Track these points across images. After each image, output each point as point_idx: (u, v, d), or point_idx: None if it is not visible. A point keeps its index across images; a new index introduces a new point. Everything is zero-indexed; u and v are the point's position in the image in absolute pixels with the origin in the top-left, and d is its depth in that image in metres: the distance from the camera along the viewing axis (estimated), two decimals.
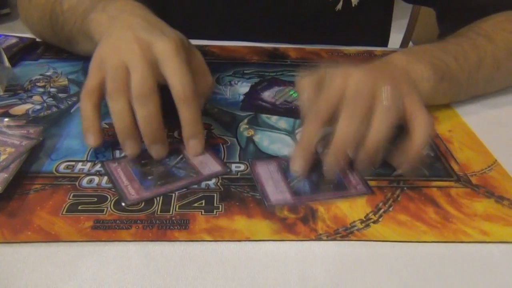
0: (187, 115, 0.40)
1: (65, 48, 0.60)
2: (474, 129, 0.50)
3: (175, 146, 0.43)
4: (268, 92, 0.55)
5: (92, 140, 0.41)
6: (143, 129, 0.39)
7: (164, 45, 0.40)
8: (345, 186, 0.40)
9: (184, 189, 0.38)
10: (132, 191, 0.37)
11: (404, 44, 1.25)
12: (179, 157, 0.42)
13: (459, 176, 0.42)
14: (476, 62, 0.52)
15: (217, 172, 0.41)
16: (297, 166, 0.40)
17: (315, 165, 0.41)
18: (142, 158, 0.41)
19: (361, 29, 0.59)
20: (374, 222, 0.36)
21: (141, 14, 0.46)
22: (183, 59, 0.40)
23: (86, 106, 0.41)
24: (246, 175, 0.41)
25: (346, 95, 0.39)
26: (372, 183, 0.40)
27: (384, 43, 0.81)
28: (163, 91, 0.40)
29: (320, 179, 0.40)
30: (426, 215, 0.37)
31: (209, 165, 0.41)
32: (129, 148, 0.40)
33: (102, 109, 0.48)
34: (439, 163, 0.44)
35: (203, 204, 0.37)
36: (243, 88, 0.56)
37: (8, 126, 0.44)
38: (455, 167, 0.43)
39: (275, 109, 0.51)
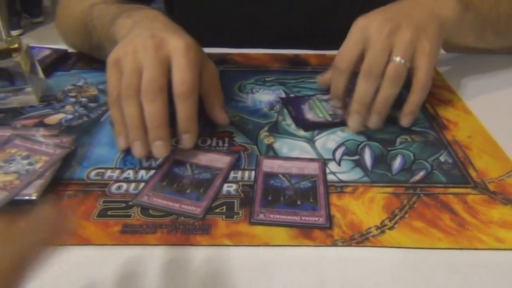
0: (182, 110, 0.42)
1: (95, 56, 0.63)
2: (494, 135, 0.50)
3: (178, 157, 0.45)
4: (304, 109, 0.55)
5: (123, 142, 0.44)
6: (149, 125, 0.41)
7: (176, 42, 0.43)
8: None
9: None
10: (194, 208, 0.39)
11: None
12: (189, 165, 0.44)
13: (476, 183, 0.43)
14: None
15: (231, 160, 0.44)
16: (354, 122, 0.48)
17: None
18: (162, 181, 0.42)
19: None
20: (389, 229, 0.37)
21: (162, 21, 0.48)
22: (192, 58, 0.42)
23: (115, 112, 0.44)
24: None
25: (364, 45, 0.47)
26: (388, 190, 0.41)
27: None
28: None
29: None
30: (441, 222, 0.38)
31: (219, 159, 0.44)
32: (136, 149, 0.43)
33: None
34: (456, 170, 0.44)
35: (224, 210, 0.39)
36: (264, 95, 0.57)
37: (43, 136, 0.46)
38: (473, 173, 0.44)
39: (332, 124, 0.52)
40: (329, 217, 0.38)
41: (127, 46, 0.44)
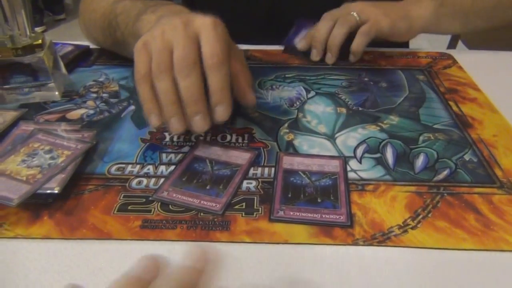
0: (215, 81, 0.41)
1: (118, 52, 0.63)
2: None
3: (198, 153, 0.45)
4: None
5: (156, 119, 0.42)
6: (186, 100, 0.40)
7: (203, 19, 0.42)
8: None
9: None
10: (214, 204, 0.39)
11: (452, 44, 1.22)
12: (209, 161, 0.44)
13: (502, 183, 0.41)
14: None
15: (251, 157, 0.44)
16: (313, 55, 0.65)
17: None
18: (182, 177, 0.42)
19: None
20: (412, 228, 0.36)
21: (187, 12, 0.48)
22: (220, 32, 0.42)
23: (144, 89, 0.42)
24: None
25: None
26: (411, 189, 0.41)
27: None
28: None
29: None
30: (466, 222, 0.37)
31: (238, 155, 0.44)
32: (174, 125, 0.41)
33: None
34: (482, 169, 0.43)
35: (244, 207, 0.38)
36: (284, 92, 0.57)
37: (65, 130, 0.47)
38: (499, 173, 0.43)
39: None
40: (350, 215, 0.37)
41: (154, 31, 0.43)
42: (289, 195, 0.39)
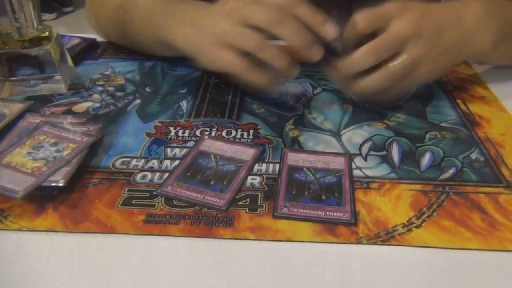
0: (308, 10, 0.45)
1: (132, 47, 0.63)
2: None
3: (203, 148, 0.45)
4: None
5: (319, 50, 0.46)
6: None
7: None
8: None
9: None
10: (218, 200, 0.39)
11: None
12: (213, 157, 0.44)
13: (509, 182, 0.41)
14: None
15: (255, 152, 0.44)
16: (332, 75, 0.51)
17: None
18: (186, 172, 0.41)
19: None
20: (416, 227, 0.36)
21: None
22: None
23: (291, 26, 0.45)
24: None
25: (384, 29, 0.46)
26: (416, 187, 0.40)
27: None
28: None
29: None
30: (471, 222, 0.37)
31: (243, 151, 0.44)
32: (317, 52, 0.46)
33: (154, 108, 0.51)
34: (488, 168, 0.43)
35: (248, 203, 0.38)
36: (290, 88, 0.56)
37: (71, 123, 0.47)
38: (506, 172, 0.42)
39: None
40: (354, 213, 0.37)
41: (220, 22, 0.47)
42: (294, 192, 0.39)
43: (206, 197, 0.39)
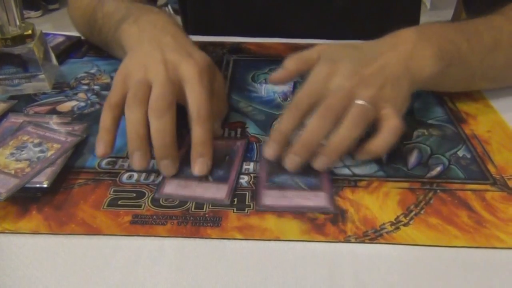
0: (199, 135, 0.40)
1: (104, 49, 0.62)
2: None
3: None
4: None
5: (102, 149, 0.40)
6: (156, 142, 0.39)
7: (189, 68, 0.42)
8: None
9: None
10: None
11: None
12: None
13: (495, 179, 0.41)
14: (491, 43, 0.49)
15: (242, 143, 0.45)
16: (270, 151, 0.41)
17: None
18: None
19: (392, 21, 0.58)
20: (404, 225, 0.36)
21: (171, 32, 0.47)
22: (205, 83, 0.42)
23: (106, 118, 0.41)
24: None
25: (325, 93, 0.41)
26: (404, 185, 0.40)
27: None
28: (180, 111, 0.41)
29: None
30: (458, 219, 0.37)
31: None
32: (136, 160, 0.39)
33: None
34: (475, 165, 0.43)
35: (236, 202, 0.38)
36: (278, 86, 0.56)
37: (55, 123, 0.46)
38: (492, 169, 0.42)
39: None
40: (333, 201, 0.38)
41: (136, 64, 0.43)
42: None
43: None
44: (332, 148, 0.39)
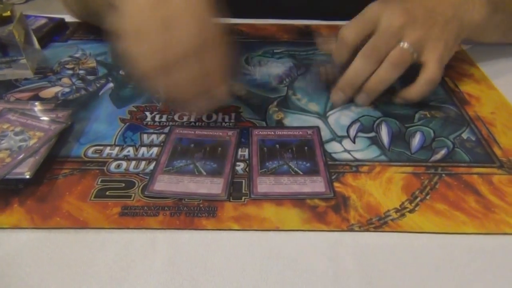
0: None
1: (94, 22, 0.59)
2: None
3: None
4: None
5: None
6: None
7: None
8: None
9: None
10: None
11: None
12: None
13: (502, 162, 0.40)
14: None
15: (235, 133, 0.42)
16: (337, 98, 0.46)
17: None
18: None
19: None
20: (410, 212, 0.34)
21: None
22: None
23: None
24: None
25: (375, 32, 0.43)
26: (407, 169, 0.38)
27: None
28: None
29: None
30: (466, 204, 0.35)
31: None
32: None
33: (129, 92, 0.48)
34: (480, 148, 0.41)
35: (231, 191, 0.36)
36: (273, 68, 0.54)
37: (38, 110, 0.44)
38: (498, 152, 0.41)
39: None
40: (331, 185, 0.36)
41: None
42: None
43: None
44: (371, 88, 0.44)
